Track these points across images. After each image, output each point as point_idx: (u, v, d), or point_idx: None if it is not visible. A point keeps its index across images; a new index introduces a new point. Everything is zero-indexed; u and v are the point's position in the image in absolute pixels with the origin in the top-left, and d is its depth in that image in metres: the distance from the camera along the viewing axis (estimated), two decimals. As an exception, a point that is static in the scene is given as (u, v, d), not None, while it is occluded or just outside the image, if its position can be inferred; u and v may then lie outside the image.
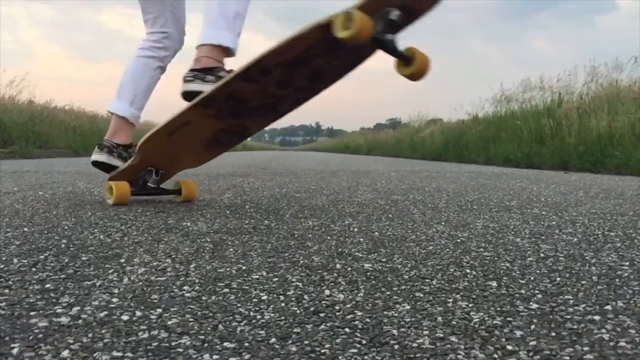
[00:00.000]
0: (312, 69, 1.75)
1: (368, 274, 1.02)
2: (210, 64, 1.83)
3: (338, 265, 1.08)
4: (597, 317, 0.78)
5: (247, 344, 0.67)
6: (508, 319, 0.77)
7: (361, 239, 1.38)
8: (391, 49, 1.52)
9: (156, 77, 2.21)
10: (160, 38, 2.15)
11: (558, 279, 1.00)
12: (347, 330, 0.72)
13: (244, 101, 1.83)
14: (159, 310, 0.79)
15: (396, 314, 0.78)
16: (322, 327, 0.73)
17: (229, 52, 1.88)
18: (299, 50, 1.64)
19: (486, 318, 0.77)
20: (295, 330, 0.72)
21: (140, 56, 2.17)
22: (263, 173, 4.46)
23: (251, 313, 0.78)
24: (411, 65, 1.53)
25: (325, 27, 1.48)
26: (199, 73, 1.82)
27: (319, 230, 1.50)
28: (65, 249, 1.20)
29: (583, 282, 0.98)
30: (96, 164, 2.17)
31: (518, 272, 1.05)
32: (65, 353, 0.63)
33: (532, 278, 1.00)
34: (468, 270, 1.05)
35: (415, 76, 1.55)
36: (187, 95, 1.82)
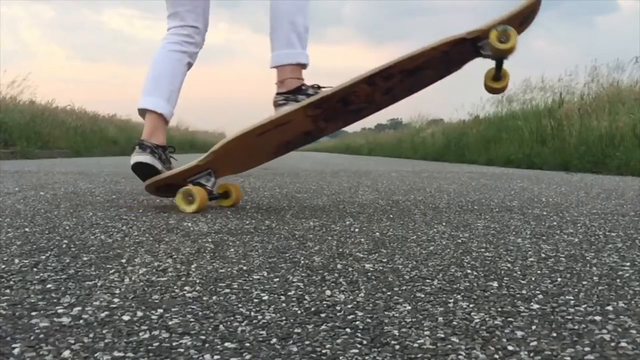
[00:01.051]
0: (417, 79, 1.85)
1: (369, 274, 1.02)
2: (295, 84, 1.90)
3: (339, 266, 1.08)
4: (598, 318, 0.78)
5: (248, 344, 0.67)
6: (509, 319, 0.77)
7: (362, 240, 1.38)
8: (501, 63, 1.75)
9: (185, 74, 2.07)
10: (192, 33, 2.04)
11: (559, 279, 1.00)
12: (348, 330, 0.72)
13: (348, 104, 1.87)
14: (160, 311, 0.79)
15: (397, 315, 0.78)
16: (323, 327, 0.73)
17: (304, 67, 1.95)
18: (423, 60, 1.76)
19: (487, 318, 0.77)
20: (296, 330, 0.72)
21: (173, 50, 2.02)
22: (264, 173, 4.46)
23: (252, 313, 0.78)
24: (501, 80, 1.78)
25: (460, 40, 1.70)
26: (290, 95, 1.88)
27: (319, 231, 1.50)
28: (67, 249, 1.20)
29: (584, 282, 0.98)
30: (140, 165, 1.92)
31: (519, 272, 1.05)
32: (67, 353, 0.63)
33: (533, 278, 1.00)
34: (469, 271, 1.05)
35: (499, 91, 1.83)
36: None
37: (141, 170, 1.93)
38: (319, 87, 1.90)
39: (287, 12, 1.94)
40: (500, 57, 1.72)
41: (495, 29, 1.65)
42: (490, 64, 1.78)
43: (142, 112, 2.01)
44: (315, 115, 1.87)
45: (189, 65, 2.06)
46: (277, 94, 1.92)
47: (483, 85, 1.83)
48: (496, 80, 1.79)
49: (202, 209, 1.85)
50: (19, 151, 7.96)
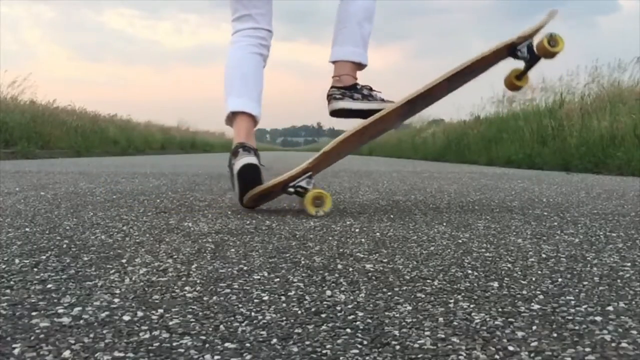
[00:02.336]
0: (467, 79, 1.99)
1: (369, 274, 1.02)
2: (351, 81, 1.94)
3: (339, 266, 1.08)
4: (598, 318, 0.78)
5: (248, 345, 0.67)
6: (509, 319, 0.77)
7: (362, 240, 1.37)
8: (532, 66, 1.97)
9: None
10: (266, 36, 1.99)
11: (560, 279, 1.00)
12: (348, 330, 0.72)
13: (426, 97, 1.95)
14: (161, 311, 0.79)
15: (397, 315, 0.78)
16: (323, 327, 0.73)
17: (361, 68, 1.99)
18: (484, 63, 1.92)
19: (487, 319, 0.77)
20: (296, 330, 0.72)
21: (253, 52, 1.96)
22: (265, 173, 4.46)
23: (252, 313, 0.78)
24: (523, 80, 2.02)
25: (510, 44, 1.90)
26: (346, 91, 1.92)
27: (320, 231, 1.50)
28: (67, 250, 1.20)
29: (585, 282, 0.98)
30: (249, 168, 1.80)
31: (519, 272, 1.05)
32: (67, 353, 0.63)
33: (533, 279, 1.00)
34: (469, 271, 1.05)
35: (519, 88, 2.06)
36: (338, 113, 1.93)
37: (249, 173, 1.80)
38: (371, 89, 1.95)
39: (356, 14, 1.97)
40: (546, 58, 1.92)
41: (546, 35, 1.89)
42: (514, 64, 2.00)
43: (231, 115, 1.92)
44: (401, 113, 1.95)
45: (263, 68, 2.02)
46: (334, 87, 1.94)
47: (504, 81, 2.04)
48: (519, 80, 2.01)
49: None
50: (19, 151, 7.97)
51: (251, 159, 1.80)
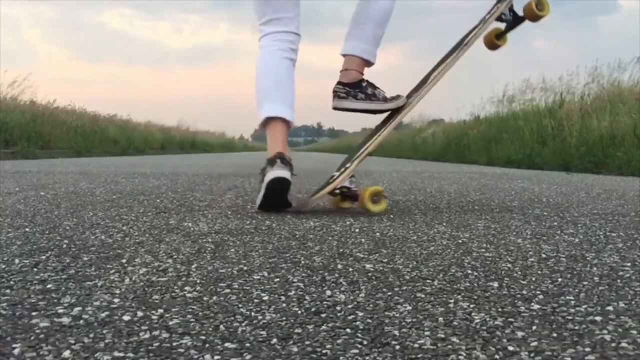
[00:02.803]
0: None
1: (369, 274, 1.02)
2: (357, 77, 1.98)
3: (339, 266, 1.08)
4: (598, 318, 0.78)
5: (248, 345, 0.67)
6: (509, 319, 0.77)
7: (362, 240, 1.37)
8: (512, 28, 2.11)
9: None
10: (295, 40, 1.98)
11: (559, 279, 1.00)
12: (348, 330, 0.72)
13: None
14: (160, 311, 0.79)
15: (397, 315, 0.78)
16: (323, 327, 0.73)
17: (369, 65, 2.03)
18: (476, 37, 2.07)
19: (487, 319, 0.77)
20: (296, 330, 0.72)
21: (284, 57, 1.94)
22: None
23: (252, 313, 0.78)
24: (502, 39, 2.13)
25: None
26: (351, 90, 1.96)
27: (320, 231, 1.50)
28: (67, 250, 1.20)
29: (584, 282, 0.98)
30: (281, 181, 1.78)
31: (519, 272, 1.05)
32: (67, 353, 0.63)
33: (533, 279, 1.00)
34: (469, 271, 1.05)
35: (498, 47, 2.14)
36: (340, 110, 1.98)
37: (279, 186, 1.79)
38: (375, 87, 1.99)
39: (374, 15, 2.01)
40: (531, 20, 2.04)
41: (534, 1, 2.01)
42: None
43: (266, 121, 1.90)
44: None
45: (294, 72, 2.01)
46: (340, 83, 1.98)
47: (484, 40, 2.13)
48: (498, 39, 2.12)
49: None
50: (19, 151, 7.97)
51: (285, 174, 1.77)
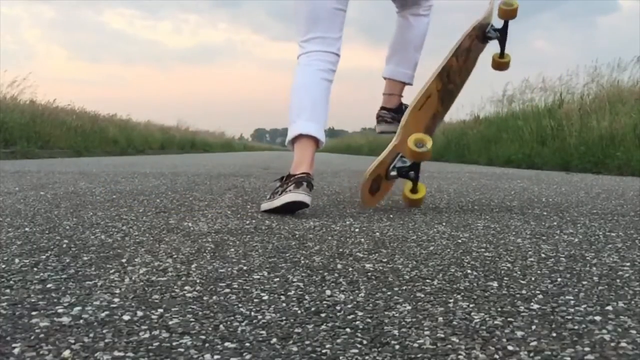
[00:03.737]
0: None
1: (369, 274, 1.02)
2: (399, 102, 2.16)
3: (339, 266, 1.08)
4: (598, 318, 0.78)
5: (248, 344, 0.67)
6: (509, 319, 0.77)
7: (362, 239, 1.38)
8: (504, 43, 2.20)
9: None
10: (336, 61, 1.96)
11: (559, 279, 1.00)
12: (348, 330, 0.72)
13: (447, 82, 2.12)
14: (160, 310, 0.79)
15: (397, 314, 0.79)
16: (323, 327, 0.73)
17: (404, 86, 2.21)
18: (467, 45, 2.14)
19: (487, 318, 0.77)
20: (296, 330, 0.72)
21: (324, 79, 1.93)
22: (264, 173, 4.46)
23: (252, 313, 0.78)
24: (504, 57, 2.22)
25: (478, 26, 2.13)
26: (396, 115, 2.11)
27: (320, 231, 1.50)
28: (67, 249, 1.20)
29: (584, 282, 0.98)
30: (300, 205, 1.79)
31: (519, 272, 1.05)
32: (67, 353, 0.63)
33: (533, 278, 1.00)
34: (469, 271, 1.05)
35: (505, 65, 2.26)
36: (385, 133, 2.13)
37: (296, 207, 1.79)
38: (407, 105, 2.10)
39: (413, 41, 2.18)
40: (510, 18, 2.14)
41: (500, 1, 2.13)
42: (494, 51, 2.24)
43: (297, 137, 1.87)
44: (441, 93, 2.10)
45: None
46: (385, 109, 2.14)
47: (491, 65, 2.26)
48: (501, 58, 2.24)
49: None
50: (19, 151, 7.96)
51: (307, 199, 1.76)
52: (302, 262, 1.12)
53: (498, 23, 2.18)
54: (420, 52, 2.21)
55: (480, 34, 2.14)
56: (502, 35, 2.18)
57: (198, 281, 0.95)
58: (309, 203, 1.77)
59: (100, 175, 3.76)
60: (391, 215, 1.83)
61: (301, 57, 1.96)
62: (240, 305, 0.82)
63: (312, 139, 1.86)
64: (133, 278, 0.97)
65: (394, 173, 1.95)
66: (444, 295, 0.88)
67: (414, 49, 2.18)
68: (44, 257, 1.12)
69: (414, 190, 2.01)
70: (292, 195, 1.75)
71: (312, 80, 1.93)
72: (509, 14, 2.14)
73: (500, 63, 2.26)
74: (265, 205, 1.87)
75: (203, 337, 0.69)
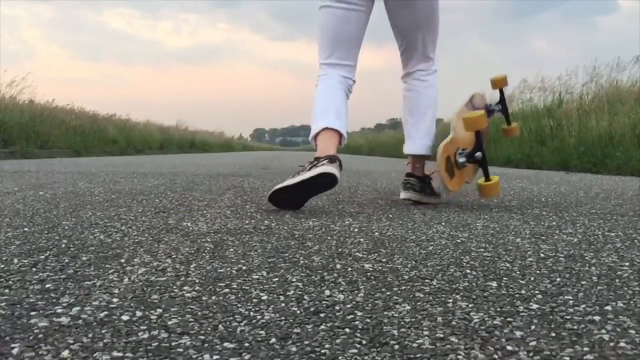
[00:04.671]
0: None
1: (368, 274, 1.02)
2: (423, 172, 2.23)
3: (338, 266, 1.08)
4: (597, 318, 0.78)
5: (247, 344, 0.67)
6: (508, 319, 0.77)
7: (361, 239, 1.38)
8: (507, 114, 2.45)
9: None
10: (352, 86, 2.14)
11: (558, 279, 1.00)
12: (347, 330, 0.72)
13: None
14: (159, 311, 0.79)
15: (396, 314, 0.78)
16: (322, 327, 0.73)
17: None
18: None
19: (486, 318, 0.77)
20: (295, 330, 0.72)
21: (344, 92, 2.09)
22: (264, 173, 4.46)
23: (251, 313, 0.78)
24: (511, 124, 2.49)
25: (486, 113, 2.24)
26: (424, 186, 2.20)
27: (319, 231, 1.50)
28: (66, 249, 1.20)
29: (583, 282, 0.98)
30: (331, 177, 1.84)
31: (518, 272, 1.05)
32: (66, 353, 0.63)
33: (532, 278, 1.00)
34: (468, 271, 1.05)
35: (513, 131, 2.52)
36: (411, 201, 2.19)
37: (327, 180, 1.84)
38: (431, 178, 2.22)
39: (428, 107, 2.24)
40: (503, 86, 2.37)
41: (489, 78, 2.38)
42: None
43: (322, 130, 1.97)
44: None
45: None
46: (413, 176, 2.20)
47: (504, 136, 2.61)
48: (509, 125, 2.49)
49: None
50: (18, 151, 7.96)
51: (338, 174, 1.83)
52: (301, 262, 1.11)
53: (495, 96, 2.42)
54: (434, 115, 2.27)
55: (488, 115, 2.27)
56: (502, 106, 2.38)
57: (197, 281, 0.95)
58: (339, 178, 1.84)
59: (99, 175, 3.75)
60: (390, 215, 1.83)
61: (322, 72, 2.10)
62: (239, 305, 0.82)
63: (337, 133, 1.97)
64: (132, 278, 0.97)
65: (462, 160, 2.09)
66: (443, 295, 0.88)
67: (431, 119, 2.25)
68: (42, 257, 1.12)
69: (487, 178, 2.11)
70: (326, 168, 1.82)
71: (335, 91, 2.07)
72: (499, 82, 2.33)
73: (510, 130, 2.49)
74: (291, 180, 1.86)
75: (202, 337, 0.69)
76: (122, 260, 1.10)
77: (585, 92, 8.20)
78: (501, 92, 2.40)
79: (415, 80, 2.23)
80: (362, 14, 2.08)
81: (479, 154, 2.08)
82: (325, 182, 1.84)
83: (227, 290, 0.90)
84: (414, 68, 2.23)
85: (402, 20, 2.16)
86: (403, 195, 2.20)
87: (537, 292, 0.91)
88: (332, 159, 1.85)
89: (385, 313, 0.79)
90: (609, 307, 0.83)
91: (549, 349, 0.66)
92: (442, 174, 2.06)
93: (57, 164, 5.64)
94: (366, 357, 0.63)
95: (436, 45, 2.24)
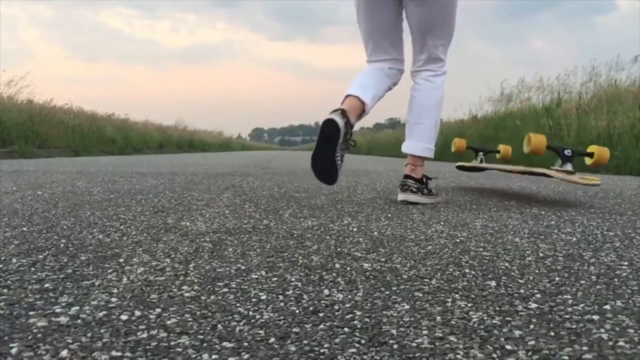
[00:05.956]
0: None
1: (367, 273, 1.02)
2: (422, 172, 2.23)
3: (337, 265, 1.08)
4: (596, 317, 0.78)
5: (246, 344, 0.67)
6: (507, 318, 0.77)
7: (360, 239, 1.38)
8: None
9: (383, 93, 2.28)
10: (394, 75, 2.26)
11: (557, 278, 1.00)
12: (346, 329, 0.72)
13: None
14: (158, 310, 0.79)
15: (395, 314, 0.78)
16: (321, 326, 0.73)
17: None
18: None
19: (485, 318, 0.77)
20: (294, 329, 0.72)
21: (384, 74, 2.21)
22: (262, 173, 4.46)
23: (250, 313, 0.78)
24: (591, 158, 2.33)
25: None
26: (420, 187, 2.21)
27: (318, 230, 1.50)
28: (64, 249, 1.20)
29: (582, 281, 0.98)
30: (330, 123, 1.99)
31: (517, 271, 1.05)
32: (64, 353, 0.63)
33: (531, 278, 1.00)
34: (467, 270, 1.05)
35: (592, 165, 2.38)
36: (409, 203, 2.19)
37: (329, 127, 1.96)
38: (429, 178, 2.26)
39: (433, 110, 2.24)
40: (538, 152, 2.40)
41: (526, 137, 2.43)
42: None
43: (344, 99, 2.11)
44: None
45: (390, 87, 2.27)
46: (411, 178, 2.21)
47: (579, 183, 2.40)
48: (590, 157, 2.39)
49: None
50: (16, 150, 7.95)
51: (337, 120, 1.96)
52: (300, 261, 1.11)
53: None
54: (438, 117, 2.28)
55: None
56: (565, 155, 2.33)
57: (196, 281, 0.95)
58: (337, 121, 1.95)
59: (98, 175, 3.75)
60: (389, 215, 1.83)
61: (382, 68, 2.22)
62: (238, 304, 0.82)
63: (358, 99, 2.08)
64: (131, 278, 0.97)
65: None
66: (442, 295, 0.88)
67: (434, 122, 2.25)
68: (41, 256, 1.12)
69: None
70: (327, 116, 1.98)
71: (370, 71, 2.20)
72: (538, 146, 2.34)
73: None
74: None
75: (201, 336, 0.69)
76: (121, 260, 1.10)
77: (584, 92, 8.20)
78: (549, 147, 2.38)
79: (422, 80, 2.24)
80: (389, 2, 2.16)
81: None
82: (329, 129, 1.96)
83: (226, 289, 0.90)
84: (423, 67, 2.24)
85: (416, 18, 2.17)
86: (400, 197, 2.21)
87: (536, 291, 0.91)
88: (335, 110, 2.00)
89: (384, 312, 0.79)
90: (607, 306, 0.83)
91: (548, 348, 0.66)
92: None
93: (56, 164, 5.63)
94: (365, 357, 0.63)
95: (448, 47, 2.25)
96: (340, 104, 2.07)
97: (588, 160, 2.31)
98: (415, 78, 2.27)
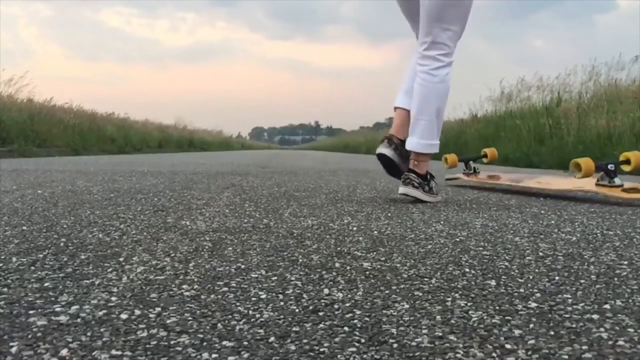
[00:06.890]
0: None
1: (367, 272, 1.02)
2: (425, 169, 2.24)
3: (337, 264, 1.08)
4: (595, 316, 0.78)
5: (246, 343, 0.67)
6: (507, 317, 0.77)
7: (360, 238, 1.38)
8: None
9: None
10: (418, 58, 2.32)
11: (557, 277, 1.00)
12: (346, 329, 0.72)
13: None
14: (158, 309, 0.79)
15: (395, 313, 0.79)
16: (321, 325, 0.73)
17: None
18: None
19: (485, 317, 0.77)
20: (294, 329, 0.72)
21: (416, 65, 2.28)
22: (262, 172, 4.46)
23: (250, 312, 0.78)
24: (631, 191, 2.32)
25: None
26: (423, 182, 2.21)
27: (318, 229, 1.50)
28: (64, 248, 1.20)
29: (582, 281, 0.98)
30: (380, 157, 2.31)
31: (517, 271, 1.05)
32: (64, 352, 0.63)
33: (530, 277, 1.00)
34: (467, 269, 1.05)
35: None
36: (409, 197, 2.21)
37: (381, 159, 2.29)
38: (433, 177, 2.28)
39: (436, 103, 2.22)
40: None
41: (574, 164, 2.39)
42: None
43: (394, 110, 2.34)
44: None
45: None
46: (415, 173, 2.20)
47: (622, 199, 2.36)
48: (629, 192, 2.35)
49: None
50: (16, 149, 7.95)
51: (385, 151, 2.25)
52: (300, 260, 1.11)
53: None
54: (443, 110, 2.26)
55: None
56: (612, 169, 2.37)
57: (196, 280, 0.95)
58: (385, 154, 2.25)
59: (97, 174, 3.75)
60: (389, 214, 1.83)
61: (419, 56, 2.26)
62: (238, 303, 0.82)
63: (402, 110, 2.30)
64: (131, 277, 0.97)
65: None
66: (442, 294, 0.88)
67: (437, 116, 2.23)
68: (41, 255, 1.12)
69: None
70: (378, 150, 2.29)
71: (413, 66, 2.28)
72: (590, 169, 2.31)
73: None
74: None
75: (201, 335, 0.69)
76: (121, 259, 1.10)
77: (584, 91, 8.21)
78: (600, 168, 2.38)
79: (424, 74, 2.19)
80: None
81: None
82: (383, 162, 2.28)
83: (225, 289, 0.90)
84: (427, 52, 2.20)
85: (428, 1, 2.15)
86: (401, 189, 2.20)
87: (535, 290, 0.91)
88: (381, 141, 2.28)
89: (384, 312, 0.79)
90: (607, 306, 0.83)
91: (548, 348, 0.66)
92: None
93: (56, 163, 5.63)
94: (365, 356, 0.63)
95: (458, 38, 2.20)
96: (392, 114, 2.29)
97: (626, 167, 2.31)
98: (420, 67, 2.22)
